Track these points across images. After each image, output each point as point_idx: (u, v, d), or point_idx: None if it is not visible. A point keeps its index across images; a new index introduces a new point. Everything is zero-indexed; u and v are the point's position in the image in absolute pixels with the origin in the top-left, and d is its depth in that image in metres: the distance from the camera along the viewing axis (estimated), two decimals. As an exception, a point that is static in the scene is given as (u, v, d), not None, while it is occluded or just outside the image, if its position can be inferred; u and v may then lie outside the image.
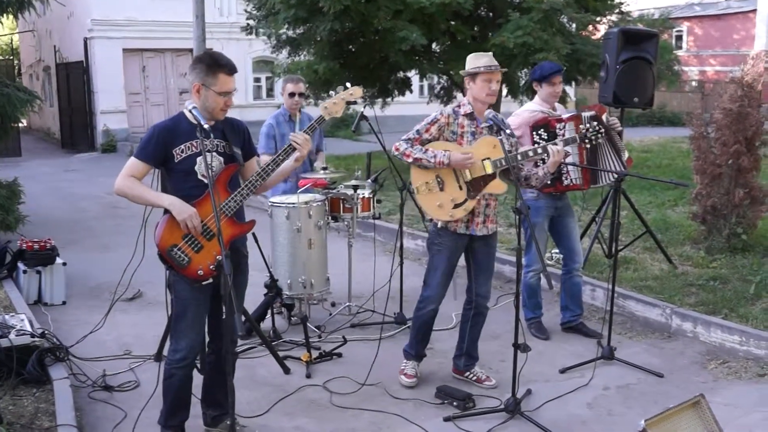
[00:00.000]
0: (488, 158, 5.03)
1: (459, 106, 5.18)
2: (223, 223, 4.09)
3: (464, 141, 5.10)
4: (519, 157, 5.05)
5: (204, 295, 4.25)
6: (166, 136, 4.15)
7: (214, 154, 4.20)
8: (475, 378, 5.47)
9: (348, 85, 4.68)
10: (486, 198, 5.14)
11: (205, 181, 4.13)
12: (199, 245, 4.08)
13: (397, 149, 5.09)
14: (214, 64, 4.13)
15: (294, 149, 4.30)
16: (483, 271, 5.34)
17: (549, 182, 6.03)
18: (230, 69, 4.15)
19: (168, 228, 4.06)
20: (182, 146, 4.15)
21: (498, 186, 5.10)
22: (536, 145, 5.17)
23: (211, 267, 4.11)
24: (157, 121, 4.40)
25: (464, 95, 5.26)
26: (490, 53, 5.19)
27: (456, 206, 5.06)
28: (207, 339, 4.54)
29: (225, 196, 4.16)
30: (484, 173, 5.04)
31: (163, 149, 4.13)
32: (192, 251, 4.08)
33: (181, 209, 4.02)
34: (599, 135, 5.29)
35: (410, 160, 5.04)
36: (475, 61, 5.10)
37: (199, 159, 4.15)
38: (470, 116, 5.13)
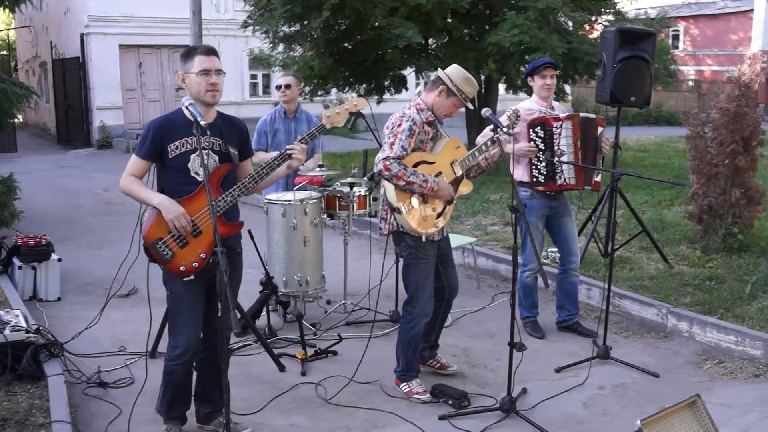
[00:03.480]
0: (455, 160, 5.05)
1: (418, 113, 5.02)
2: (211, 222, 4.10)
3: (428, 147, 5.05)
4: (477, 154, 5.10)
5: (198, 291, 4.25)
6: (161, 132, 4.16)
7: (209, 152, 4.19)
8: (438, 365, 5.57)
9: (354, 95, 4.65)
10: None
11: (198, 178, 4.15)
12: (184, 241, 4.09)
13: (388, 169, 4.80)
14: (189, 51, 4.20)
15: (289, 157, 4.32)
16: (449, 266, 5.39)
17: (542, 180, 6.04)
18: (205, 50, 4.18)
19: (155, 222, 4.08)
20: (177, 142, 4.15)
21: (467, 186, 5.18)
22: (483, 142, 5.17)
23: (194, 264, 4.11)
24: (153, 118, 4.41)
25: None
26: (476, 84, 5.07)
27: (438, 215, 5.05)
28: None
29: (217, 195, 4.15)
30: (455, 176, 5.07)
31: (158, 145, 4.14)
32: (177, 246, 4.09)
33: (169, 209, 4.05)
34: (517, 121, 5.29)
35: (402, 183, 4.81)
36: (464, 84, 4.99)
37: (193, 156, 4.15)
38: (431, 123, 5.06)
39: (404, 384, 5.25)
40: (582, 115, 6.19)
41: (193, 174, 4.16)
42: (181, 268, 4.11)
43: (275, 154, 6.61)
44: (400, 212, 4.88)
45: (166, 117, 4.29)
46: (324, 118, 4.60)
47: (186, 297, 4.24)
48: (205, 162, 4.04)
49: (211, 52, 4.19)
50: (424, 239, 5.02)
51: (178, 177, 4.16)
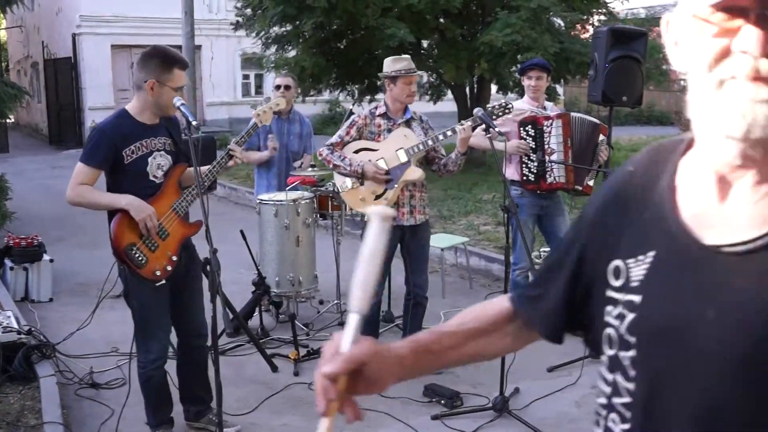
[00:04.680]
0: (401, 148, 5.27)
1: (375, 108, 5.51)
2: (177, 223, 4.10)
3: (381, 139, 5.38)
4: (430, 142, 5.30)
5: (165, 295, 4.23)
6: (115, 138, 4.03)
7: (163, 152, 4.16)
8: None
9: (272, 96, 4.95)
10: (409, 189, 5.38)
11: (157, 181, 4.13)
12: (155, 245, 4.07)
13: (320, 154, 5.41)
14: (168, 60, 4.05)
15: (231, 157, 4.36)
16: (417, 262, 5.56)
17: (533, 179, 6.04)
18: (183, 64, 4.11)
19: (124, 227, 4.00)
20: (132, 147, 4.04)
21: (412, 172, 5.33)
22: (444, 129, 5.40)
23: (167, 267, 4.10)
24: (100, 122, 4.27)
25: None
26: (408, 57, 5.48)
27: (377, 198, 5.30)
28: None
29: (178, 196, 4.14)
30: (399, 162, 5.27)
31: (113, 151, 4.01)
32: (149, 251, 4.06)
33: (139, 209, 3.98)
34: (506, 111, 5.38)
35: (330, 166, 5.39)
36: (395, 64, 5.39)
37: (150, 159, 4.10)
38: (385, 116, 5.42)
39: None
40: (577, 115, 6.20)
41: (151, 177, 4.11)
42: (156, 272, 4.08)
43: (265, 153, 6.66)
44: (339, 191, 5.43)
45: (114, 121, 4.13)
46: (254, 116, 4.77)
47: (154, 303, 4.20)
48: (160, 164, 4.07)
49: (186, 65, 4.13)
50: (366, 219, 5.30)
51: (136, 182, 4.07)
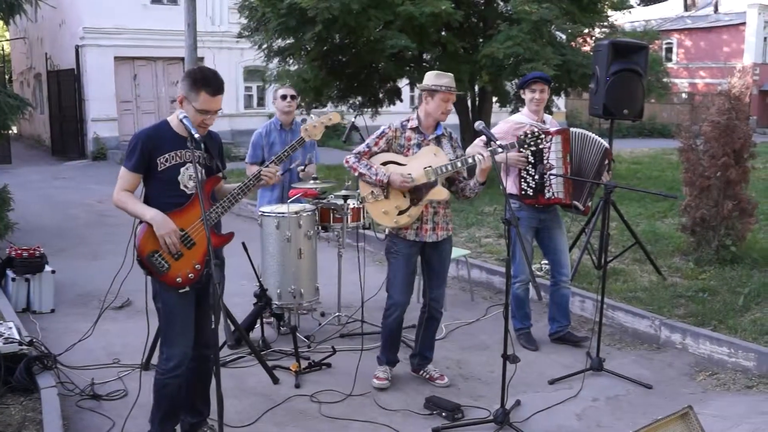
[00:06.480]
0: (429, 166, 5.21)
1: (407, 120, 5.41)
2: (204, 233, 4.12)
3: (410, 153, 5.32)
4: (459, 164, 5.22)
5: (190, 301, 4.26)
6: (150, 145, 4.14)
7: (197, 165, 4.20)
8: (427, 376, 5.70)
9: (327, 110, 4.87)
10: (434, 206, 5.34)
11: (188, 191, 4.18)
12: (179, 253, 4.09)
13: (347, 162, 5.39)
14: (199, 81, 4.12)
15: (261, 179, 4.37)
16: (436, 277, 5.56)
17: (531, 194, 6.06)
18: (215, 90, 4.13)
19: (149, 234, 4.08)
20: (167, 155, 4.15)
21: (439, 193, 5.28)
22: (464, 156, 5.30)
23: (189, 275, 4.12)
24: (139, 129, 4.40)
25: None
26: (452, 75, 5.35)
27: (400, 213, 5.27)
28: None
29: (208, 207, 4.17)
30: (425, 180, 5.21)
31: (147, 157, 4.13)
32: (172, 258, 4.10)
33: (161, 225, 4.05)
34: (539, 141, 5.31)
35: (356, 174, 5.36)
36: (437, 79, 5.28)
37: (182, 169, 4.17)
38: (416, 130, 5.35)
39: (378, 367, 5.62)
40: (579, 131, 6.21)
41: (182, 187, 4.17)
42: (178, 279, 4.12)
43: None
44: (363, 201, 5.41)
45: (153, 129, 4.26)
46: (302, 131, 4.76)
47: (179, 308, 4.23)
48: (199, 176, 4.07)
49: (218, 92, 4.15)
50: (387, 231, 5.43)
51: (166, 190, 4.16)
